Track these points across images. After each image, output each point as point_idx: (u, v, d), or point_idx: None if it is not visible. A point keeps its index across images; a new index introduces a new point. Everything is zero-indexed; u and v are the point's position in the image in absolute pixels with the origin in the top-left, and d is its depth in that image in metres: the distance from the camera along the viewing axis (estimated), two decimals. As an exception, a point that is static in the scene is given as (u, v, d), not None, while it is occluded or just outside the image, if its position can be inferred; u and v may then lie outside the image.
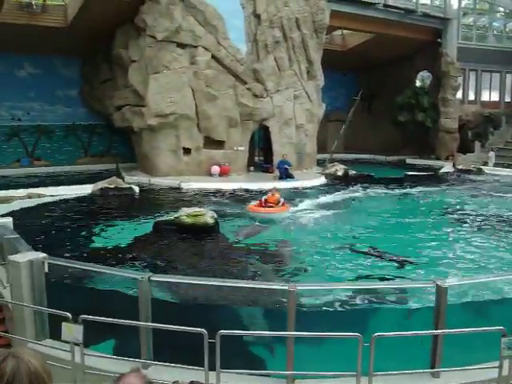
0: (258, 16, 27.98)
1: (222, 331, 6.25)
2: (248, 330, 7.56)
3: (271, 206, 18.27)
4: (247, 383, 7.06)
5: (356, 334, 6.24)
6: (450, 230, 17.30)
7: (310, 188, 25.95)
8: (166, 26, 25.66)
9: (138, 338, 7.16)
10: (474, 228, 17.72)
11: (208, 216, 15.71)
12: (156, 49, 25.96)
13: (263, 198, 18.81)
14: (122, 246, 14.19)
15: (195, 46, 26.42)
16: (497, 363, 6.80)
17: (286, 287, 7.02)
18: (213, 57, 26.78)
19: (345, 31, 39.23)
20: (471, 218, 19.45)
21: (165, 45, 25.95)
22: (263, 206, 18.27)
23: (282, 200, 18.77)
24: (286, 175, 27.11)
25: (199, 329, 6.27)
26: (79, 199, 21.73)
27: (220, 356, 6.32)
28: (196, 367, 6.55)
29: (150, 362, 7.16)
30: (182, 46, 26.32)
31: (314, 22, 29.94)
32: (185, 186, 24.83)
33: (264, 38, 28.09)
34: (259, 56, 28.18)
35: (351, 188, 25.62)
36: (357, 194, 24.17)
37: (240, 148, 27.90)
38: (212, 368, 6.43)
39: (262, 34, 28.05)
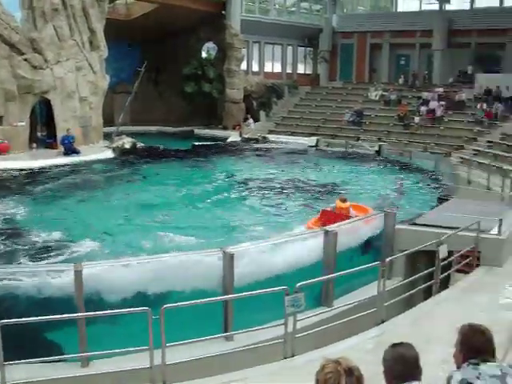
0: (33, -19, 26.24)
1: (1, 321, 5.80)
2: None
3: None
4: (40, 372, 6.72)
5: (145, 308, 6.18)
6: (232, 195, 18.26)
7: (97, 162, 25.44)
8: None
9: None
10: (253, 193, 18.85)
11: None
12: None
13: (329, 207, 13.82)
14: None
15: (-38, 12, 24.08)
16: (282, 321, 7.21)
17: (72, 267, 6.76)
18: (-17, 24, 24.63)
19: (128, 0, 38.36)
20: (251, 184, 20.60)
21: None
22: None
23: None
24: (70, 150, 26.16)
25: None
26: None
27: (3, 348, 5.91)
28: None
29: None
30: None
31: (95, -10, 28.84)
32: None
33: (41, 4, 26.38)
34: (36, 24, 26.47)
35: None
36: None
37: (20, 123, 26.07)
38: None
39: (39, 1, 26.33)
